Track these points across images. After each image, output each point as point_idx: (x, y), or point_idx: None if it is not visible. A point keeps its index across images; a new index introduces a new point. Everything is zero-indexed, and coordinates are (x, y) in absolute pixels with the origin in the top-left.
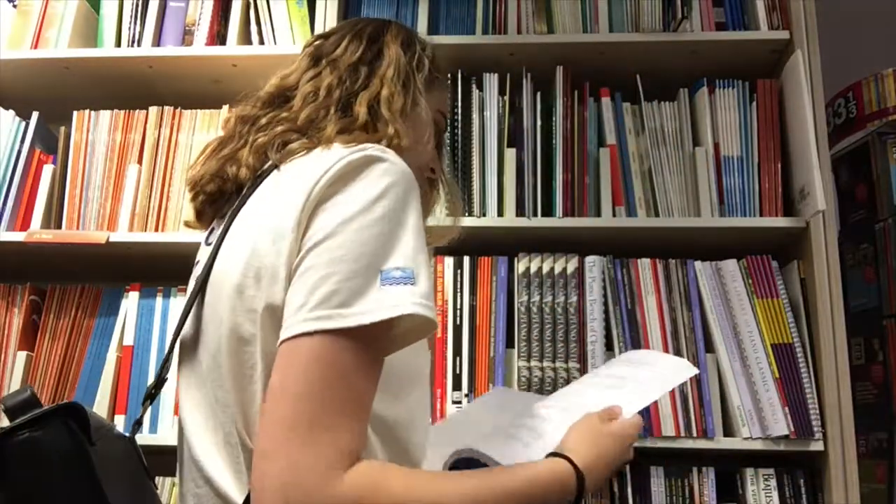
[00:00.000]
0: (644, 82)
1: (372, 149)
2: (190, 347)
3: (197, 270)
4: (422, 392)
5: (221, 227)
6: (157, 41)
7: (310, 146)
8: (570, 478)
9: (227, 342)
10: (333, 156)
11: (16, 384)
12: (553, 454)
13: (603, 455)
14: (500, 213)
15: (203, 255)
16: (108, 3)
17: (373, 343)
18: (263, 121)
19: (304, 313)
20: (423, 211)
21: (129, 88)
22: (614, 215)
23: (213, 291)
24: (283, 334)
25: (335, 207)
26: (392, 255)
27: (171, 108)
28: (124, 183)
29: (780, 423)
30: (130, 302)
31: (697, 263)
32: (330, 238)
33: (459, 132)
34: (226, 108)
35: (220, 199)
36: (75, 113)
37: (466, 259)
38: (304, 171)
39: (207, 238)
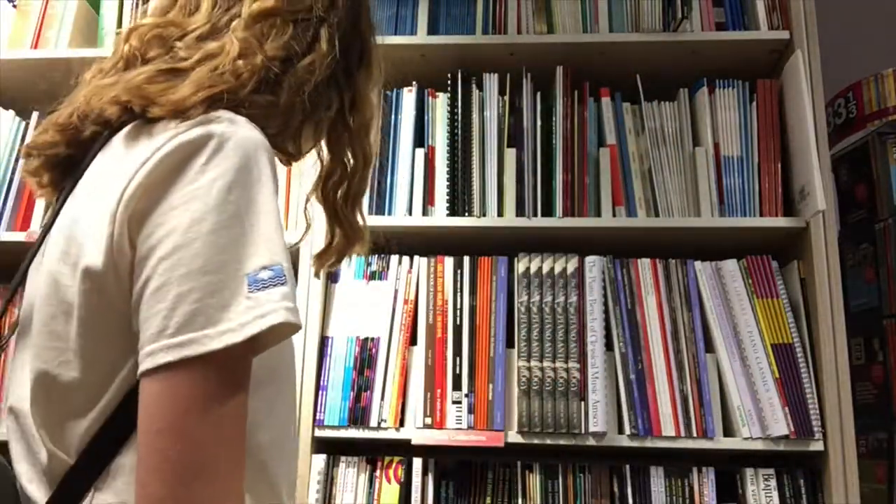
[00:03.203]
0: (644, 82)
1: (216, 121)
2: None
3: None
4: (274, 388)
5: None
6: None
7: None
8: None
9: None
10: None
11: None
12: None
13: None
14: (500, 213)
15: None
16: (107, 3)
17: (245, 360)
18: None
19: (166, 340)
20: None
21: None
22: (614, 215)
23: None
24: (145, 364)
25: (183, 205)
26: (255, 254)
27: None
28: None
29: (780, 423)
30: None
31: (697, 263)
32: (183, 247)
33: (459, 132)
34: None
35: None
36: None
37: (466, 259)
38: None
39: None
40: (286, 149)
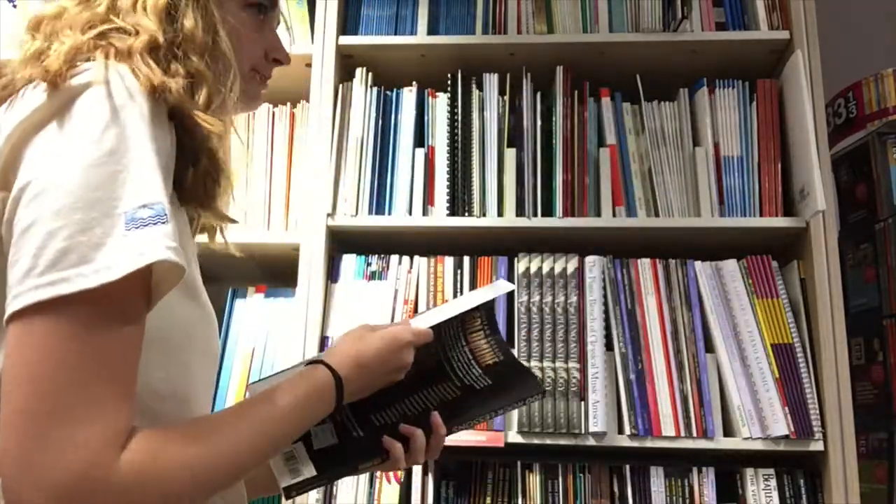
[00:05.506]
0: (644, 82)
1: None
2: None
3: None
4: (204, 363)
5: None
6: None
7: None
8: (328, 381)
9: None
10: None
11: None
12: (311, 361)
13: (364, 354)
14: (500, 213)
15: None
16: None
17: (126, 301)
18: None
19: (34, 279)
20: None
21: None
22: (614, 215)
23: None
24: (12, 307)
25: (50, 145)
26: (133, 192)
27: None
28: None
29: (780, 423)
30: None
31: (697, 263)
32: (53, 184)
33: (459, 132)
34: None
35: None
36: None
37: (466, 259)
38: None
39: None
40: None
